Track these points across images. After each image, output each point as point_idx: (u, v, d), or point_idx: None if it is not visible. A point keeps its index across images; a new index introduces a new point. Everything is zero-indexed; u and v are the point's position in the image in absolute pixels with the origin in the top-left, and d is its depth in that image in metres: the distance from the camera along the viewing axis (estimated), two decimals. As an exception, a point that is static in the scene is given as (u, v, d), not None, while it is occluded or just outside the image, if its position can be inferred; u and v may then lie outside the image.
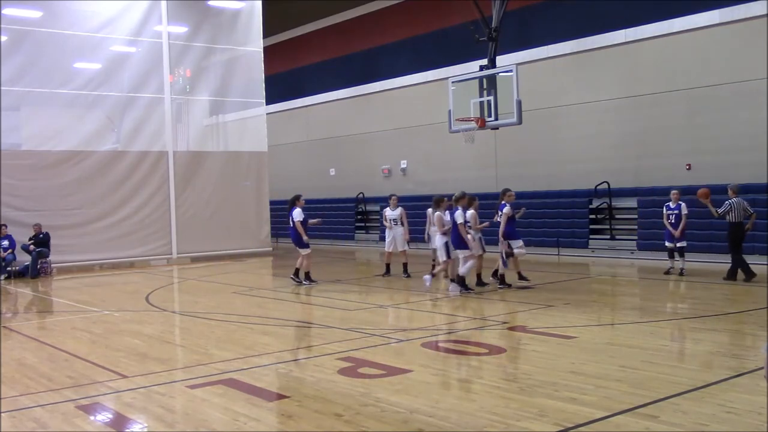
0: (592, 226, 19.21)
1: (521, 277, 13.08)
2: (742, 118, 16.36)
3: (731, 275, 13.17)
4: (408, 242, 15.60)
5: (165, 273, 19.14)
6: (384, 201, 19.10)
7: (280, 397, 6.69)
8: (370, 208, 25.58)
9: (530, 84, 17.77)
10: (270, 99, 24.25)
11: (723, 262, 15.48)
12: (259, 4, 22.74)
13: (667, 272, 14.48)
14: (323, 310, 12.05)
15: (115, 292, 15.53)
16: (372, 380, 7.01)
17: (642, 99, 18.32)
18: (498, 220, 13.12)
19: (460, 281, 12.44)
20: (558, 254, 19.06)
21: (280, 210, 22.82)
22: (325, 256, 21.74)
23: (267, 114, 23.71)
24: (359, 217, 26.24)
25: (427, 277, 13.20)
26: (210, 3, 22.66)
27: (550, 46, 20.10)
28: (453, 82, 16.49)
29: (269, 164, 23.85)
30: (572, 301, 11.55)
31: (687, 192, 15.33)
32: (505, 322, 10.07)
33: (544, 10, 20.53)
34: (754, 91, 16.00)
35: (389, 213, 15.71)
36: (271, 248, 23.11)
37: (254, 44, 22.89)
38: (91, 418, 6.17)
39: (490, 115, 15.44)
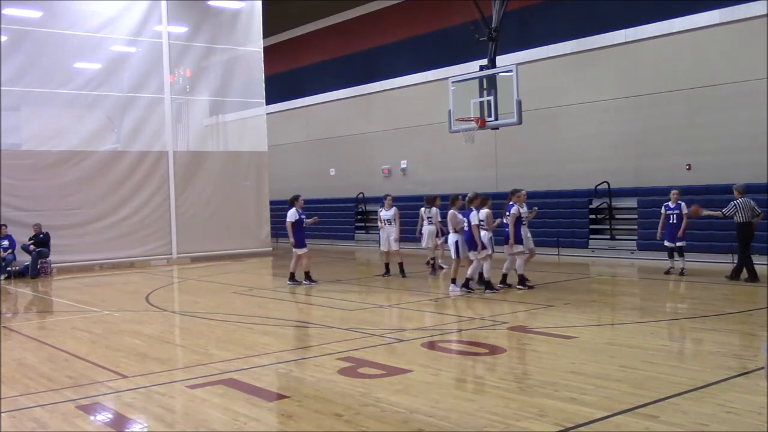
0: (592, 226, 19.21)
1: (521, 282, 12.97)
2: (742, 118, 16.36)
3: (735, 275, 13.14)
4: (397, 241, 15.54)
5: (165, 273, 19.14)
6: (384, 201, 19.10)
7: (280, 397, 6.69)
8: (370, 208, 25.56)
9: (530, 84, 17.77)
10: (270, 99, 24.25)
11: (723, 262, 15.53)
12: (259, 4, 22.74)
13: (667, 272, 14.48)
14: (323, 310, 12.05)
15: (115, 292, 15.53)
16: (372, 380, 7.01)
17: (642, 99, 18.32)
18: (506, 221, 13.04)
19: (486, 283, 12.45)
20: (558, 254, 19.05)
21: (280, 210, 22.76)
22: (325, 256, 21.74)
23: (267, 114, 23.72)
24: (359, 217, 26.24)
25: (453, 287, 12.87)
26: (210, 3, 22.66)
27: (550, 46, 20.10)
28: (453, 82, 16.49)
29: (269, 164, 23.85)
30: (572, 301, 11.55)
31: (687, 192, 15.33)
32: (505, 322, 10.06)
33: (544, 10, 20.53)
34: (754, 91, 16.00)
35: (383, 213, 15.76)
36: (271, 248, 23.11)
37: (254, 44, 22.89)
38: (91, 418, 6.17)
39: (490, 115, 15.44)
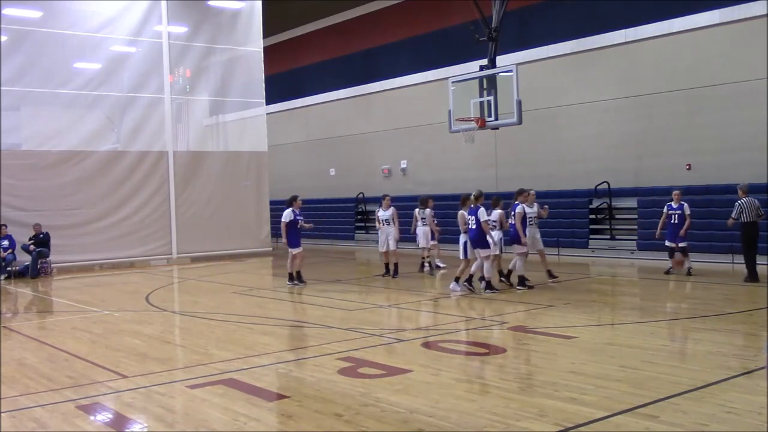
0: (592, 226, 19.21)
1: (521, 282, 12.98)
2: (742, 118, 16.35)
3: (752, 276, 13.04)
4: (397, 241, 15.61)
5: (165, 273, 19.14)
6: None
7: (280, 397, 6.69)
8: (370, 208, 25.55)
9: (530, 84, 17.77)
10: (270, 99, 24.25)
11: (723, 262, 15.55)
12: (259, 4, 22.74)
13: (668, 272, 14.47)
14: (323, 310, 12.05)
15: (115, 292, 15.53)
16: (372, 380, 7.01)
17: (642, 99, 18.31)
18: (512, 221, 13.04)
19: (486, 283, 12.45)
20: (558, 254, 19.04)
21: (280, 210, 22.66)
22: (325, 256, 21.75)
23: (267, 114, 23.72)
24: (359, 217, 26.24)
25: (454, 285, 12.91)
26: (210, 3, 22.66)
27: (550, 46, 20.10)
28: (453, 82, 16.50)
29: (269, 164, 23.85)
30: (572, 301, 11.55)
31: (687, 192, 15.33)
32: (505, 322, 10.06)
33: (544, 10, 20.53)
34: (754, 91, 15.99)
35: (381, 213, 15.76)
36: (271, 248, 23.10)
37: (254, 44, 22.90)
38: (91, 418, 6.17)
39: (490, 115, 15.44)
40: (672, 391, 6.18)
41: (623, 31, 18.56)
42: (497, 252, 12.98)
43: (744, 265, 13.20)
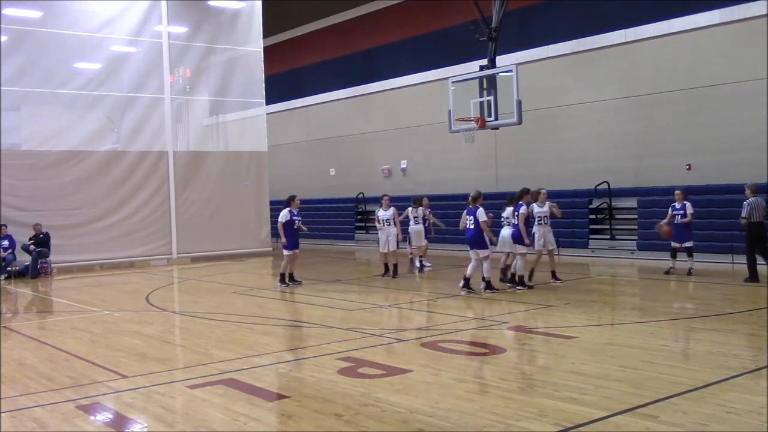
0: (592, 226, 19.20)
1: (521, 282, 12.97)
2: (742, 118, 16.35)
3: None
4: (399, 242, 15.67)
5: (165, 273, 19.14)
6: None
7: (280, 397, 6.69)
8: (370, 208, 25.54)
9: (530, 84, 17.77)
10: (270, 99, 24.25)
11: (723, 262, 15.55)
12: (259, 4, 22.74)
13: (668, 272, 14.47)
14: (323, 310, 12.04)
15: (115, 292, 15.53)
16: (372, 380, 7.01)
17: (642, 99, 18.31)
18: (515, 222, 13.02)
19: (486, 283, 12.49)
20: (558, 254, 18.98)
21: (279, 210, 22.81)
22: (325, 256, 21.75)
23: (267, 114, 23.72)
24: (359, 217, 26.23)
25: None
26: (210, 3, 22.66)
27: (550, 46, 20.09)
28: (453, 82, 16.49)
29: (269, 164, 23.85)
30: (572, 301, 11.55)
31: (687, 192, 15.30)
32: (505, 322, 10.06)
33: (544, 10, 20.53)
34: (754, 91, 15.99)
35: (381, 213, 15.76)
36: (271, 248, 23.07)
37: (254, 44, 22.89)
38: (91, 418, 6.17)
39: (490, 115, 15.44)
40: (672, 391, 6.18)
41: (623, 31, 18.56)
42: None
43: (746, 265, 13.19)
